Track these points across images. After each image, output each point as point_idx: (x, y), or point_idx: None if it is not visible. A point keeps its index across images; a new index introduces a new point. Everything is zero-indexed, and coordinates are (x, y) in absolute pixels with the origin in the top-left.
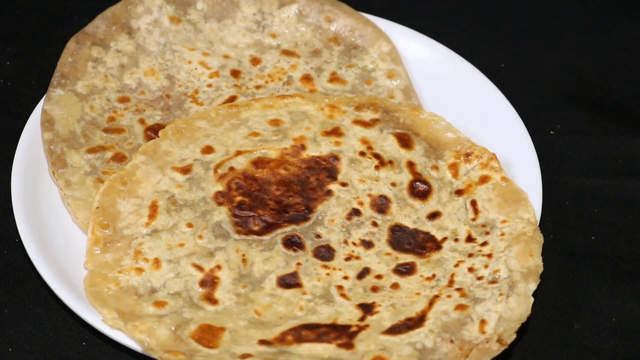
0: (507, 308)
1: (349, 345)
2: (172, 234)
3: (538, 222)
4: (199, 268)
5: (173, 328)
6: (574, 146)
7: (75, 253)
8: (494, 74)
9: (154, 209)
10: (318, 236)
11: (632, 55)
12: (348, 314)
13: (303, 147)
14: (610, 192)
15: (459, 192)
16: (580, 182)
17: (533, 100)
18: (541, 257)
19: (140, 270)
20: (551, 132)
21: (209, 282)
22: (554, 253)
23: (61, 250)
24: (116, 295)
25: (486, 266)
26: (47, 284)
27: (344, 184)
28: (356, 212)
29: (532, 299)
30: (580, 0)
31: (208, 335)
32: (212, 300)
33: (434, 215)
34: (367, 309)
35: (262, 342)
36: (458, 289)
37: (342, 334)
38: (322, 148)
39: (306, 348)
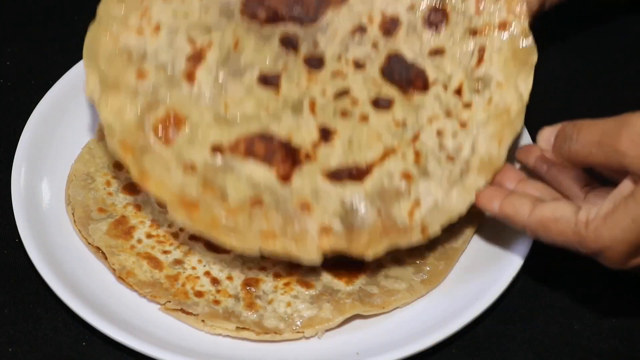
0: (446, 198)
1: (286, 178)
2: (183, 1)
3: None
4: (192, 42)
5: (140, 113)
6: None
7: (75, 253)
8: None
9: None
10: (316, 44)
11: (633, 56)
12: (306, 133)
13: None
14: None
15: (474, 33)
16: None
17: (533, 100)
18: (508, 149)
19: (140, 31)
20: None
21: (196, 58)
22: (554, 253)
23: (61, 250)
24: (110, 58)
25: (455, 135)
26: (47, 284)
27: None
28: (361, 29)
29: (473, 197)
30: (580, 0)
31: (169, 125)
32: (191, 79)
33: (436, 52)
34: (325, 134)
35: (215, 148)
36: (417, 153)
37: (288, 158)
38: None
39: (248, 168)
